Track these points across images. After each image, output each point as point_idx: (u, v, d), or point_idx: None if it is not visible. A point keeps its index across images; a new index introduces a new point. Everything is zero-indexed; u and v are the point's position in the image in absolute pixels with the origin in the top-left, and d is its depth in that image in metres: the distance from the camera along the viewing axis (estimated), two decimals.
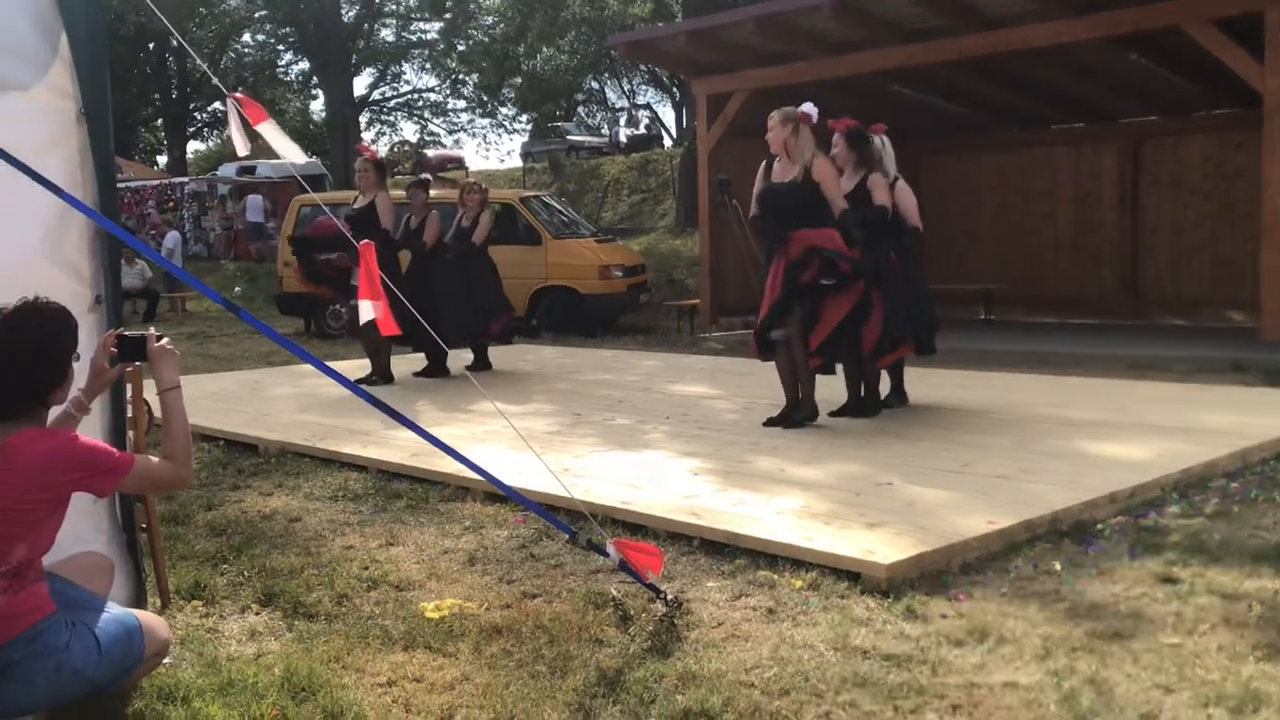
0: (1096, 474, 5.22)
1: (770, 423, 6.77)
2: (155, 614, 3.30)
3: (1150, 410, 7.00)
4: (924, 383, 7.93)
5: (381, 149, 40.88)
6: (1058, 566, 4.07)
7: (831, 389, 7.12)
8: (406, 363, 9.93)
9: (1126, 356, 10.09)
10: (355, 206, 9.35)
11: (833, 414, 6.96)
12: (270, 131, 3.55)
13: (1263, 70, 9.98)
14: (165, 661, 3.14)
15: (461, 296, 9.46)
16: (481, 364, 10.00)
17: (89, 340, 3.09)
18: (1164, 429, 6.35)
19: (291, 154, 3.63)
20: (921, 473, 5.37)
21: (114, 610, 2.88)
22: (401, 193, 10.41)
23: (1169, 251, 14.99)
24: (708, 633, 3.52)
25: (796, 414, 6.73)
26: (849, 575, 3.96)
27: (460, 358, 9.80)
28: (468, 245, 9.59)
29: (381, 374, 9.29)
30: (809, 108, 6.61)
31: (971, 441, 6.15)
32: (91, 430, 3.23)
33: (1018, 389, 8.19)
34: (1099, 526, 4.56)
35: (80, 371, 2.89)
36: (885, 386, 7.32)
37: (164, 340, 3.01)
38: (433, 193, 10.73)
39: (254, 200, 25.35)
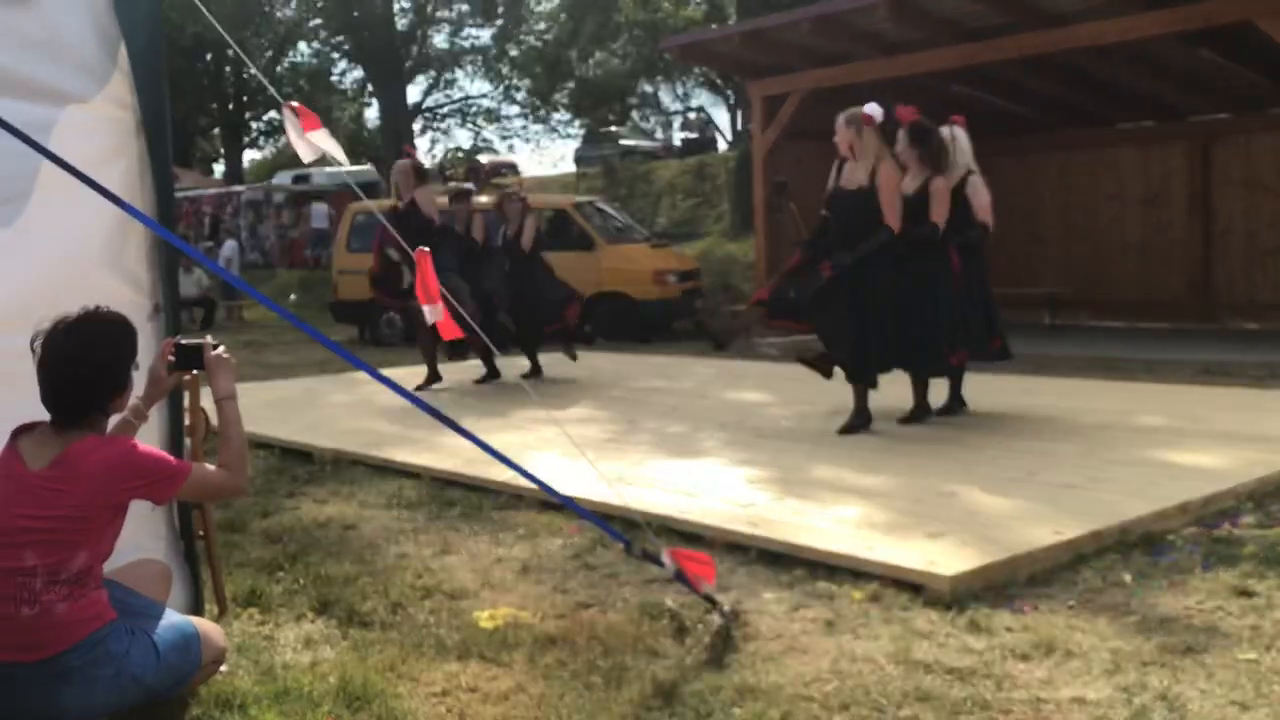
0: (1167, 483, 5.08)
1: (845, 430, 6.66)
2: (212, 621, 3.30)
3: (1223, 417, 6.81)
4: (987, 389, 7.79)
5: (435, 156, 41.27)
6: (1127, 578, 3.95)
7: (893, 397, 7.01)
8: (463, 371, 9.94)
9: (1197, 362, 9.85)
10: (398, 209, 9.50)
11: (901, 420, 6.85)
12: (323, 139, 3.57)
13: None
14: (222, 669, 3.15)
15: (522, 301, 9.53)
16: (535, 371, 10.06)
17: (148, 349, 3.10)
18: (1238, 436, 6.17)
19: (339, 155, 3.66)
20: (985, 481, 5.25)
21: (172, 617, 2.89)
22: (443, 198, 10.50)
23: (1242, 253, 14.61)
24: (765, 645, 3.46)
25: (853, 421, 6.65)
26: (911, 587, 3.87)
27: (516, 365, 9.83)
28: (518, 251, 9.69)
29: (432, 376, 9.40)
30: (872, 108, 6.43)
31: (1036, 449, 6.01)
32: (149, 438, 3.25)
33: (1084, 395, 8.02)
34: (1170, 537, 4.43)
35: (139, 380, 2.91)
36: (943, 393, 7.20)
37: (220, 349, 3.02)
38: (484, 199, 10.85)
39: (319, 208, 25.65)
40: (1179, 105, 14.68)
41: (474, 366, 9.97)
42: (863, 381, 6.69)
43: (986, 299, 7.06)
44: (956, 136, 7.00)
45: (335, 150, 3.63)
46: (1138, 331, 13.73)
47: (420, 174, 9.60)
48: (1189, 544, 4.34)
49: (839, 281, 6.44)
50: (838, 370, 6.82)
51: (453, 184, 12.22)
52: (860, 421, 6.67)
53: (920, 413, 6.90)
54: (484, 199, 11.37)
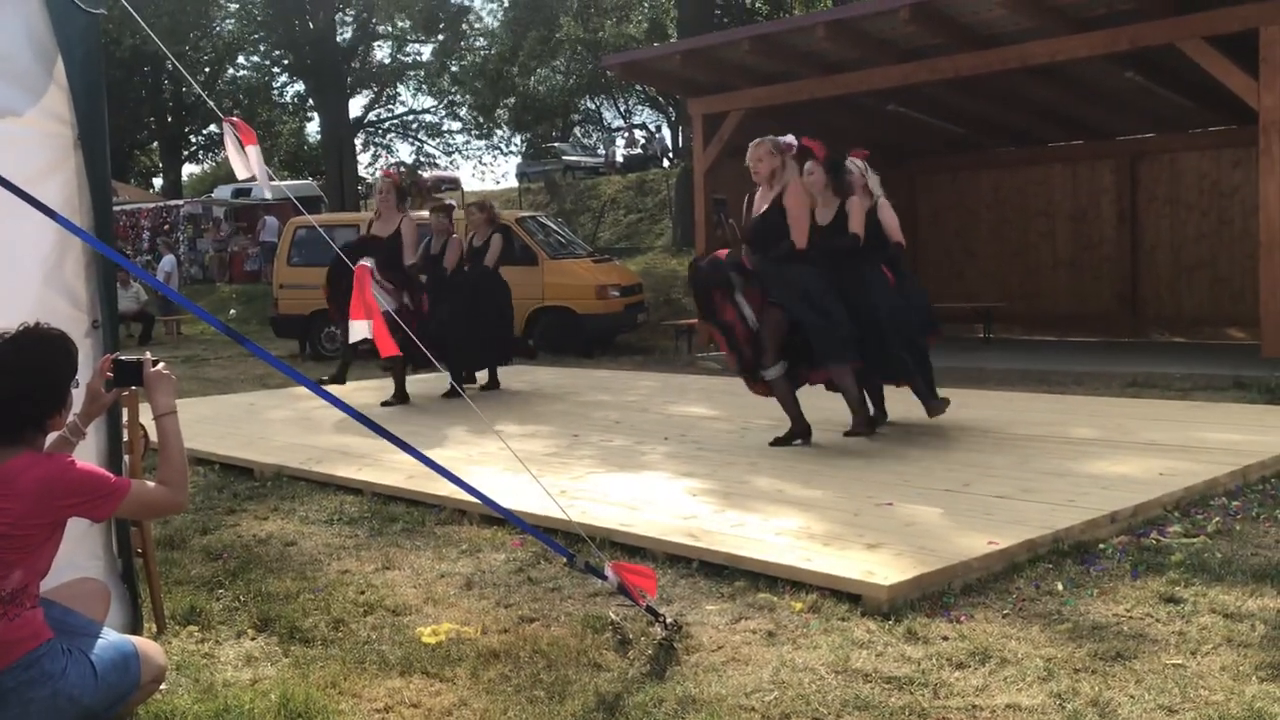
0: (1098, 493, 5.20)
1: (777, 443, 6.76)
2: (151, 640, 3.27)
3: (1151, 428, 6.99)
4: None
5: (376, 170, 40.97)
6: (1060, 587, 4.05)
7: (829, 409, 7.11)
8: (425, 385, 9.90)
9: (1126, 374, 10.09)
10: (373, 232, 9.40)
11: (847, 433, 6.96)
12: (253, 155, 3.57)
13: (1258, 87, 10.03)
14: (161, 688, 3.12)
15: (476, 322, 9.54)
16: (494, 383, 10.15)
17: (86, 365, 3.08)
18: (1165, 447, 6.34)
19: (261, 179, 3.67)
20: (921, 493, 5.35)
21: (110, 636, 2.86)
22: (424, 213, 10.51)
23: (1168, 269, 15.01)
24: (707, 656, 3.50)
25: (790, 433, 6.76)
26: (849, 597, 3.93)
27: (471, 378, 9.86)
28: (481, 266, 9.70)
29: (399, 395, 9.38)
30: (790, 139, 6.70)
31: (971, 461, 6.13)
32: (88, 455, 3.22)
33: (1017, 407, 8.18)
34: (1101, 546, 4.54)
35: (77, 397, 2.88)
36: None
37: (160, 365, 3.00)
38: (423, 212, 10.83)
39: (270, 221, 25.35)
40: (1107, 125, 15.07)
41: (428, 383, 9.92)
42: (858, 360, 6.76)
43: (922, 301, 7.34)
44: (866, 168, 7.24)
45: (260, 172, 3.64)
46: (1069, 344, 14.02)
47: (402, 195, 9.55)
48: (1118, 553, 4.45)
49: (769, 292, 6.63)
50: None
51: (437, 197, 12.19)
52: (798, 430, 6.78)
53: (863, 422, 7.01)
54: (423, 212, 11.36)
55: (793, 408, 6.78)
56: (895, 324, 6.85)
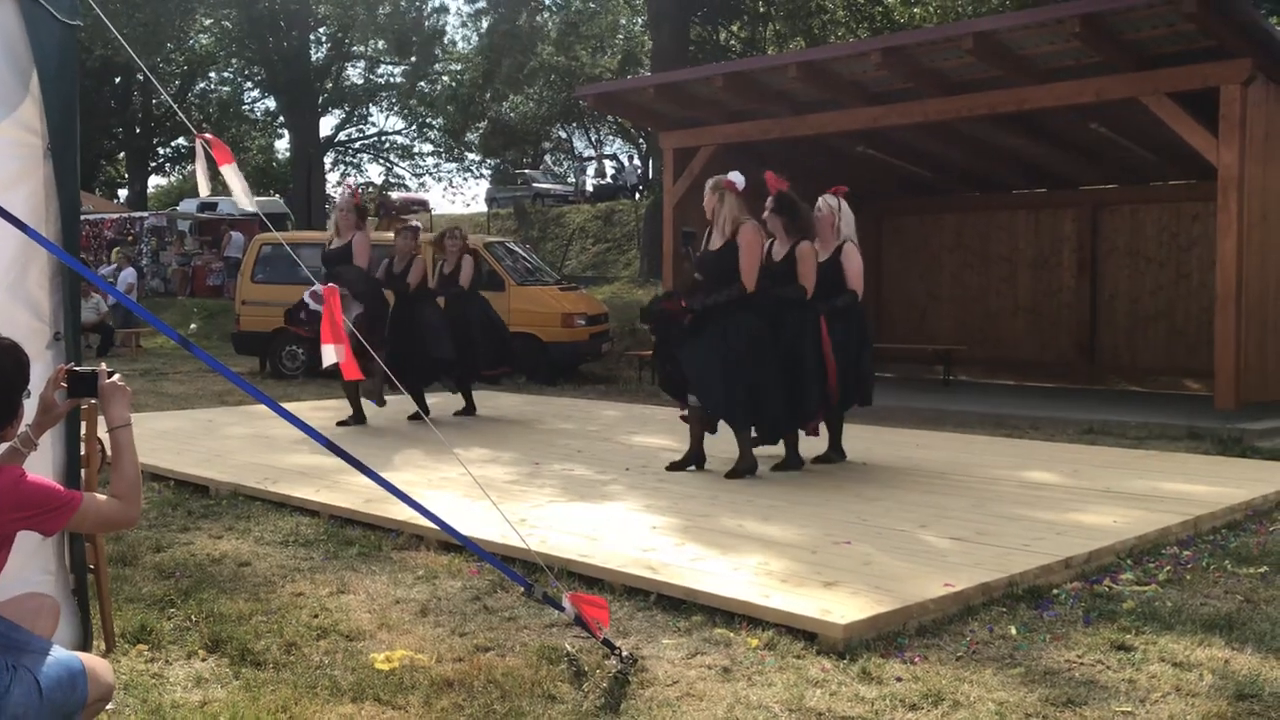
0: (1052, 538, 5.26)
1: (732, 475, 6.80)
2: (100, 658, 3.21)
3: (1105, 475, 7.07)
4: (881, 441, 7.97)
5: (345, 189, 40.86)
6: (1013, 631, 4.08)
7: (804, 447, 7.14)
8: (389, 407, 9.83)
9: (1083, 421, 10.21)
10: (332, 247, 9.45)
11: (775, 468, 7.09)
12: (231, 175, 3.56)
13: (1217, 143, 10.24)
14: (108, 708, 3.07)
15: (461, 339, 9.64)
16: (469, 409, 10.17)
17: (46, 376, 3.04)
18: (1118, 494, 6.42)
19: (243, 200, 3.65)
20: (879, 532, 5.38)
21: (58, 654, 2.81)
22: (388, 234, 10.59)
23: (1126, 318, 15.23)
24: (662, 691, 3.49)
25: (739, 467, 6.86)
26: (805, 635, 3.94)
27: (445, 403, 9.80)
28: (456, 289, 9.82)
29: (356, 416, 9.39)
30: (735, 176, 6.78)
31: (929, 502, 6.17)
32: (43, 468, 3.18)
33: (975, 450, 8.26)
34: (1054, 592, 4.58)
35: (30, 407, 2.84)
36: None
37: (115, 376, 2.97)
38: (389, 233, 10.89)
39: (236, 237, 25.16)
40: (1071, 174, 15.31)
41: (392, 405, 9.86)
42: (744, 429, 6.86)
43: (860, 361, 7.27)
44: (841, 206, 7.27)
45: (240, 190, 3.63)
46: (1027, 389, 14.16)
47: (362, 214, 9.68)
48: (1072, 598, 4.50)
49: (701, 330, 6.72)
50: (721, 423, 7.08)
51: (403, 218, 12.19)
52: (745, 467, 6.86)
53: (795, 461, 7.14)
54: (389, 233, 11.39)
55: (698, 441, 7.07)
56: (818, 376, 6.89)
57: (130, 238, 26.45)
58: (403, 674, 3.60)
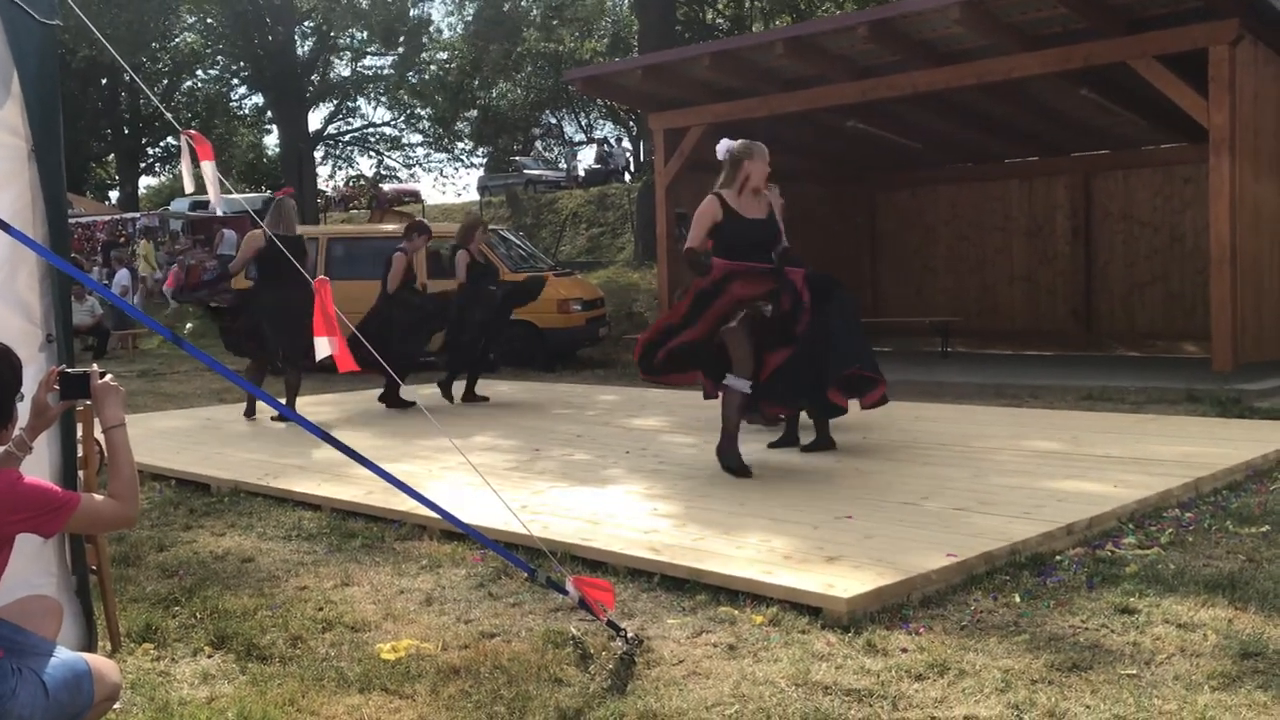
0: (1054, 505, 5.27)
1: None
2: (105, 658, 3.22)
3: (1105, 441, 7.08)
4: (880, 415, 7.96)
5: (338, 184, 40.77)
6: (1017, 599, 4.09)
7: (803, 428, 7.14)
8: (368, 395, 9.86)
9: (1081, 388, 10.22)
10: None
11: (771, 445, 7.11)
12: (208, 171, 3.55)
13: (1207, 105, 10.22)
14: (115, 707, 3.07)
15: (475, 330, 9.85)
16: (479, 396, 10.31)
17: (39, 379, 3.03)
18: (1119, 460, 6.42)
19: (213, 195, 3.65)
20: (880, 506, 5.38)
21: (63, 655, 2.81)
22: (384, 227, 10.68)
23: (1121, 284, 15.24)
24: (668, 670, 3.50)
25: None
26: (809, 610, 3.95)
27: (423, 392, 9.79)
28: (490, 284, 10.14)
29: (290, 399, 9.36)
30: (719, 145, 6.57)
31: (929, 474, 6.18)
32: (40, 470, 3.17)
33: (974, 420, 8.26)
34: (1057, 558, 4.59)
35: (24, 411, 2.84)
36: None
37: (107, 377, 2.96)
38: (388, 227, 10.88)
39: (229, 235, 25.11)
40: (1062, 142, 15.29)
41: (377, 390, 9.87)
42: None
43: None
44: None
45: (213, 187, 3.62)
46: (1025, 358, 14.18)
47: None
48: (1075, 564, 4.50)
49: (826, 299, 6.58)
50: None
51: (397, 211, 12.18)
52: (823, 442, 6.94)
53: (820, 441, 7.05)
54: (388, 227, 11.39)
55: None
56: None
57: (123, 239, 26.40)
58: (409, 663, 3.60)
